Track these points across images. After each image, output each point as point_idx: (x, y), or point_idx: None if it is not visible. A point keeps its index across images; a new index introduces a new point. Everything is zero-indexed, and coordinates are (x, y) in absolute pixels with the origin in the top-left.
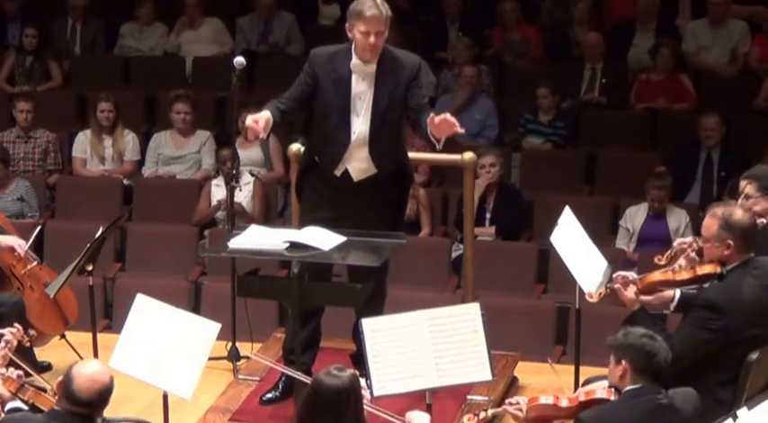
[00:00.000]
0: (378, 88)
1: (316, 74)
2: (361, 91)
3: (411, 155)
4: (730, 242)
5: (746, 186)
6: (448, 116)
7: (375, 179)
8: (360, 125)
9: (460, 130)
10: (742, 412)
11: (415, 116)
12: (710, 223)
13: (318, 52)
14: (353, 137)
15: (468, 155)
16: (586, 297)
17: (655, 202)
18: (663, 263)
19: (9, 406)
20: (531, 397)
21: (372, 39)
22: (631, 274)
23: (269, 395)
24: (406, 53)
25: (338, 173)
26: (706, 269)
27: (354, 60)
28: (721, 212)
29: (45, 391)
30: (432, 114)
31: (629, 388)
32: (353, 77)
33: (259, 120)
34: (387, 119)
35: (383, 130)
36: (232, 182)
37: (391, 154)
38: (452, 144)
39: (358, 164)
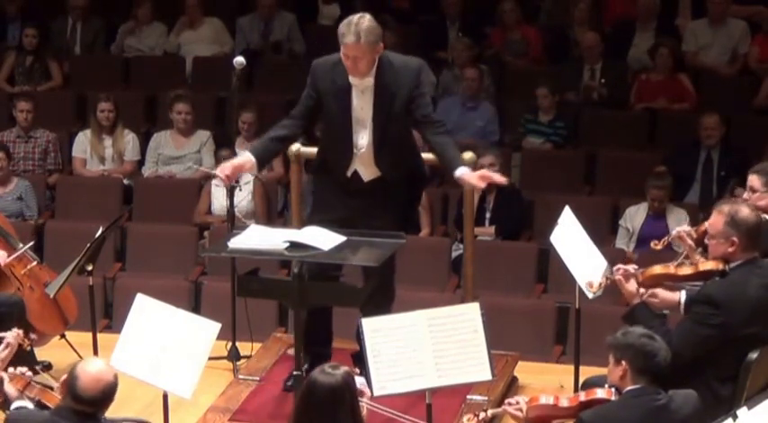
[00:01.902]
0: (376, 105)
1: (317, 86)
2: (362, 104)
3: None
4: (735, 239)
5: (753, 180)
6: (484, 172)
7: (386, 180)
8: (366, 137)
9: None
10: (742, 412)
11: (420, 128)
12: (717, 220)
13: (319, 64)
14: (360, 147)
15: (468, 155)
16: (586, 288)
17: (655, 202)
18: (659, 248)
19: (15, 405)
20: (531, 397)
21: (350, 63)
22: (633, 267)
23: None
24: (405, 59)
25: (348, 174)
26: (708, 265)
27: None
28: (728, 209)
29: (52, 388)
30: (462, 172)
31: (629, 388)
32: (353, 90)
33: (225, 169)
34: (388, 134)
35: (386, 144)
36: (232, 182)
37: (399, 163)
38: None
39: (364, 168)
